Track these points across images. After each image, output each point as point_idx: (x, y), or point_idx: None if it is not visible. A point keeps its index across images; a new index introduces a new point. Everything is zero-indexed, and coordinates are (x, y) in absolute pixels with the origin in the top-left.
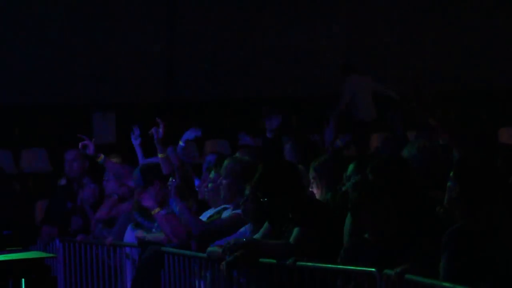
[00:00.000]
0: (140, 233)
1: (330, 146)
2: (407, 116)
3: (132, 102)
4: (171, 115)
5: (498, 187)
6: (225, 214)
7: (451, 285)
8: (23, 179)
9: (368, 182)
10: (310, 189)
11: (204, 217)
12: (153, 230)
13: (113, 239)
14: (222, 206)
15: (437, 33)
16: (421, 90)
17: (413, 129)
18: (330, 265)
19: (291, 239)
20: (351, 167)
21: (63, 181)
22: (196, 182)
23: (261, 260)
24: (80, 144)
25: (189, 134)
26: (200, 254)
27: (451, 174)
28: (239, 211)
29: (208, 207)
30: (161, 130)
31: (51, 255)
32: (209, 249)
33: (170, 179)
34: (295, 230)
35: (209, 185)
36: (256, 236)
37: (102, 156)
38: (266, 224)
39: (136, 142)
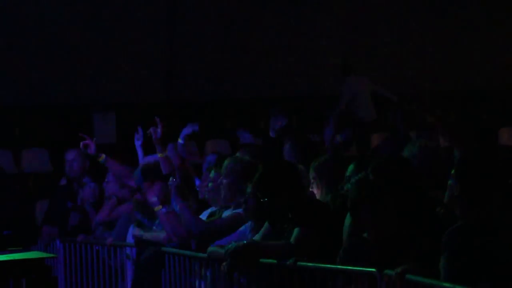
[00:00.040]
0: (137, 231)
1: (330, 144)
2: (408, 116)
3: (132, 102)
4: (171, 115)
5: (499, 186)
6: (225, 214)
7: (451, 285)
8: (23, 179)
9: (368, 181)
10: (310, 189)
11: (204, 216)
12: (154, 227)
13: (113, 239)
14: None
15: (437, 33)
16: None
17: (413, 129)
18: (330, 265)
19: (292, 239)
20: (351, 167)
21: (63, 181)
22: (197, 182)
23: (261, 260)
24: (81, 144)
25: (187, 130)
26: (201, 254)
27: (453, 172)
28: (239, 210)
29: (208, 207)
30: (159, 129)
31: (51, 255)
32: (210, 249)
33: (171, 178)
34: (296, 230)
35: (209, 184)
36: (256, 236)
37: (103, 156)
38: (266, 224)
39: (138, 143)
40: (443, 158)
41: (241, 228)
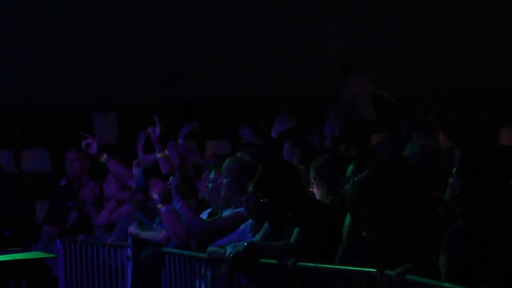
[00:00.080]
0: (133, 229)
1: (330, 139)
2: (409, 116)
3: (132, 102)
4: (171, 115)
5: (500, 186)
6: (226, 213)
7: (451, 285)
8: (24, 179)
9: (368, 180)
10: (310, 189)
11: (204, 216)
12: (154, 225)
13: (113, 239)
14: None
15: (437, 33)
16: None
17: (414, 129)
18: (330, 265)
19: (292, 239)
20: (351, 167)
21: (63, 181)
22: (198, 185)
23: (261, 260)
24: (83, 143)
25: (186, 129)
26: (201, 254)
27: (454, 170)
28: (239, 209)
29: (208, 207)
30: (157, 129)
31: (51, 255)
32: (210, 249)
33: (171, 178)
34: (296, 230)
35: (209, 185)
36: (256, 236)
37: (105, 155)
38: (266, 225)
39: (140, 146)
40: (444, 157)
41: (241, 227)
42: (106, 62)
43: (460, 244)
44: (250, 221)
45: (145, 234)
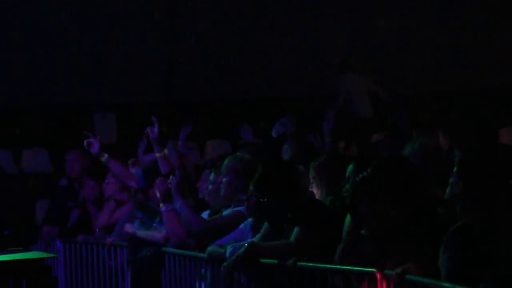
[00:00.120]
0: (129, 227)
1: (328, 136)
2: (409, 116)
3: (132, 102)
4: (171, 115)
5: (500, 186)
6: (226, 212)
7: (451, 285)
8: (24, 179)
9: (367, 178)
10: (310, 189)
11: (204, 215)
12: (154, 224)
13: (113, 239)
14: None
15: (437, 33)
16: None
17: (414, 128)
18: (330, 265)
19: (292, 238)
20: (351, 167)
21: (63, 181)
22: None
23: (261, 260)
24: (85, 142)
25: (183, 133)
26: (201, 254)
27: (455, 169)
28: (239, 208)
29: (208, 207)
30: (156, 129)
31: (51, 255)
32: (209, 248)
33: (171, 177)
34: (296, 229)
35: (209, 186)
36: (256, 236)
37: (106, 155)
38: (266, 224)
39: (140, 150)
40: (444, 155)
41: (241, 226)
42: (106, 62)
43: (460, 244)
44: (250, 219)
45: (143, 233)
